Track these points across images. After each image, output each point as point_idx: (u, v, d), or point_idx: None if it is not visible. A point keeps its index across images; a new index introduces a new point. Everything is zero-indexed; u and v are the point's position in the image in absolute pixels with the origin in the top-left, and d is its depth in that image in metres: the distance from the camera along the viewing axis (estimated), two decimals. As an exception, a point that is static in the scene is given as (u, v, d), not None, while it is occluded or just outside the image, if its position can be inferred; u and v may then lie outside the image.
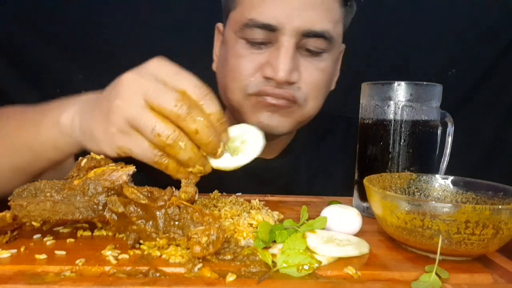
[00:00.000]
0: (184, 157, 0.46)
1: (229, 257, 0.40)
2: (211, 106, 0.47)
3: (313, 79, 0.71)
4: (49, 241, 0.44)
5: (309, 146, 0.89)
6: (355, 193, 0.64)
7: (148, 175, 0.52)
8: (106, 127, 0.47)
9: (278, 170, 0.85)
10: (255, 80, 0.69)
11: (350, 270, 0.38)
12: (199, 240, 0.39)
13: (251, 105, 0.71)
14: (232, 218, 0.51)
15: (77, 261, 0.38)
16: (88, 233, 0.47)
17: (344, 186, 0.87)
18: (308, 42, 0.68)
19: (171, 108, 0.44)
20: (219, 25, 0.81)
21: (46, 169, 0.59)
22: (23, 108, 0.62)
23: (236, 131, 0.53)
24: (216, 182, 0.85)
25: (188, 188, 0.44)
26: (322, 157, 0.89)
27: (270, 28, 0.66)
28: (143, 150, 0.46)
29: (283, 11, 0.65)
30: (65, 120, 0.53)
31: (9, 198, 0.44)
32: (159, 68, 0.47)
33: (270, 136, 0.77)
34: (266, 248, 0.43)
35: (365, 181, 0.49)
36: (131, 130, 0.46)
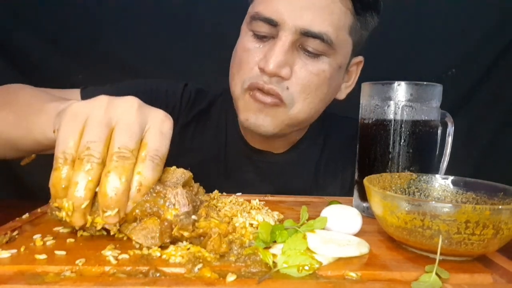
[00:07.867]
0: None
1: (232, 258, 0.40)
2: (147, 171, 0.42)
3: (305, 80, 0.72)
4: (49, 241, 0.44)
5: (315, 144, 0.90)
6: (355, 193, 0.64)
7: None
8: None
9: (283, 164, 0.87)
10: (253, 73, 0.72)
11: (350, 276, 0.38)
12: (213, 246, 0.40)
13: (245, 101, 0.75)
14: (235, 217, 0.51)
15: (77, 261, 0.38)
16: (88, 233, 0.47)
17: (348, 186, 0.87)
18: (306, 42, 0.70)
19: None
20: None
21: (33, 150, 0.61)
22: (32, 92, 0.66)
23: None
24: (223, 176, 0.86)
25: (186, 226, 0.43)
26: (326, 156, 0.90)
27: (272, 23, 0.70)
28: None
29: (286, 9, 0.69)
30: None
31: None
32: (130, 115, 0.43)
33: (263, 136, 0.78)
34: (267, 248, 0.43)
35: (365, 181, 0.49)
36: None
